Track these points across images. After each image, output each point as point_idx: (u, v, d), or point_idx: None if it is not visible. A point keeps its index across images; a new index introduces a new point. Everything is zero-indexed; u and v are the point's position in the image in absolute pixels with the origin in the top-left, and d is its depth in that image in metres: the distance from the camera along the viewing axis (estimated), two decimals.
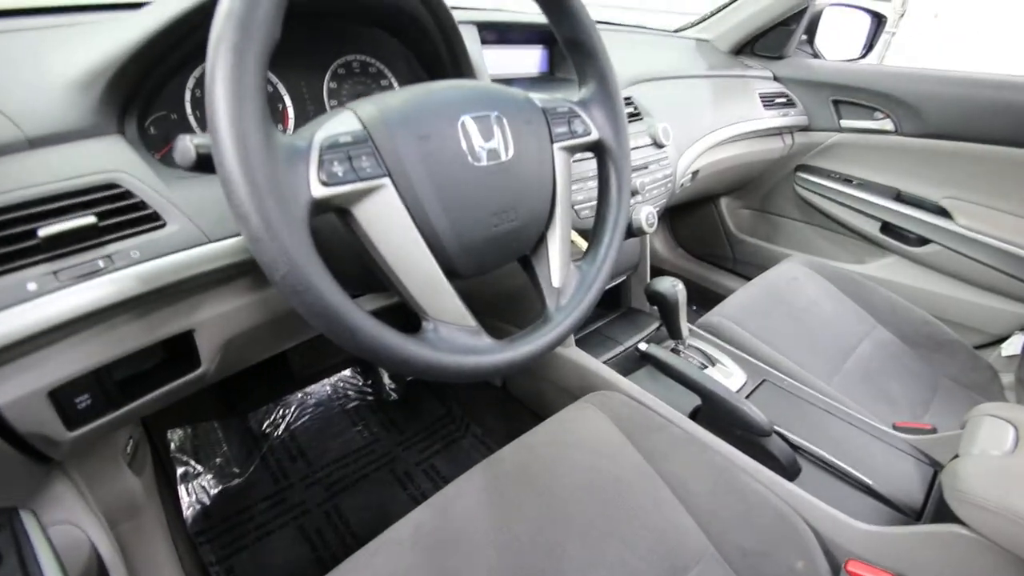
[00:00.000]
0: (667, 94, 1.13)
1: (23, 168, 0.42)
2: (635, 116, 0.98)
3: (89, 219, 0.42)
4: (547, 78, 0.99)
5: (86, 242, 0.42)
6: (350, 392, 1.30)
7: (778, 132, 1.43)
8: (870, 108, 1.37)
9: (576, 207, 0.81)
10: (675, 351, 0.91)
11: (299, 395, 1.27)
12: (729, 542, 0.59)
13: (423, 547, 0.56)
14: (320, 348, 1.19)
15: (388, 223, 0.41)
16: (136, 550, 0.70)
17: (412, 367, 0.41)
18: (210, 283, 0.51)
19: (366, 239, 0.40)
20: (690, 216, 1.80)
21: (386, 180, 0.40)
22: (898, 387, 0.95)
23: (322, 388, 1.30)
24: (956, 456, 0.61)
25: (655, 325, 1.05)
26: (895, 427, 0.82)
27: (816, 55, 1.52)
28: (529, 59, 0.97)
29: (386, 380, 1.32)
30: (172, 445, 1.07)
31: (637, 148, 0.94)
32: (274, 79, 0.63)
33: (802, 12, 1.39)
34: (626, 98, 0.98)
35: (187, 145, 0.40)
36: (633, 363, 0.92)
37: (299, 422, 1.21)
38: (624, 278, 1.11)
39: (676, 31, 1.51)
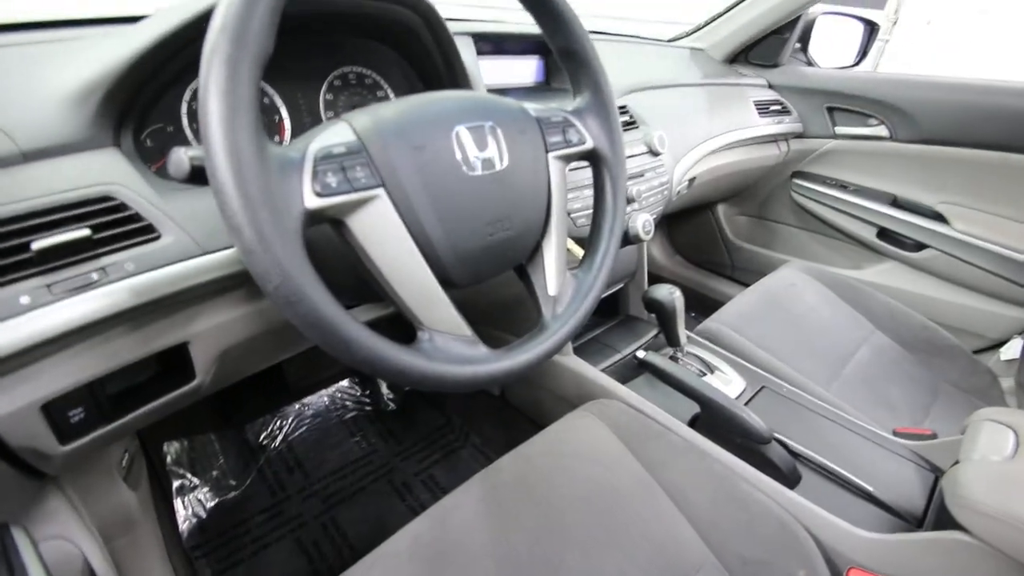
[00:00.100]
0: (662, 103, 1.14)
1: (17, 182, 0.42)
2: (631, 125, 0.98)
3: (83, 232, 0.42)
4: (543, 88, 1.00)
5: (80, 255, 0.42)
6: (348, 403, 1.29)
7: (773, 139, 1.44)
8: (864, 115, 1.38)
9: (573, 215, 0.82)
10: (673, 358, 0.91)
11: (296, 406, 1.26)
12: (730, 551, 0.59)
13: (421, 559, 0.56)
14: (317, 359, 1.19)
15: (382, 233, 0.41)
16: (131, 565, 0.69)
17: (407, 378, 0.40)
18: (205, 295, 0.50)
19: (360, 249, 0.40)
20: (688, 223, 1.80)
21: (380, 191, 0.40)
22: (898, 392, 0.95)
23: (319, 399, 1.29)
24: (957, 462, 0.60)
25: (653, 332, 1.04)
26: (895, 433, 0.81)
27: (810, 63, 1.53)
28: (525, 69, 0.98)
29: (384, 390, 1.31)
30: (168, 458, 1.06)
31: (633, 156, 0.94)
32: (270, 91, 0.64)
33: (795, 21, 1.40)
34: (622, 107, 0.99)
35: (181, 157, 0.40)
36: (631, 371, 0.92)
37: (296, 433, 1.20)
38: (622, 286, 1.11)
39: (670, 40, 1.52)
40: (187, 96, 0.58)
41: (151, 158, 0.55)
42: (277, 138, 0.64)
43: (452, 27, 0.76)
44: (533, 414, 1.05)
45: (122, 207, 0.45)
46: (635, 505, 0.62)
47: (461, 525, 0.59)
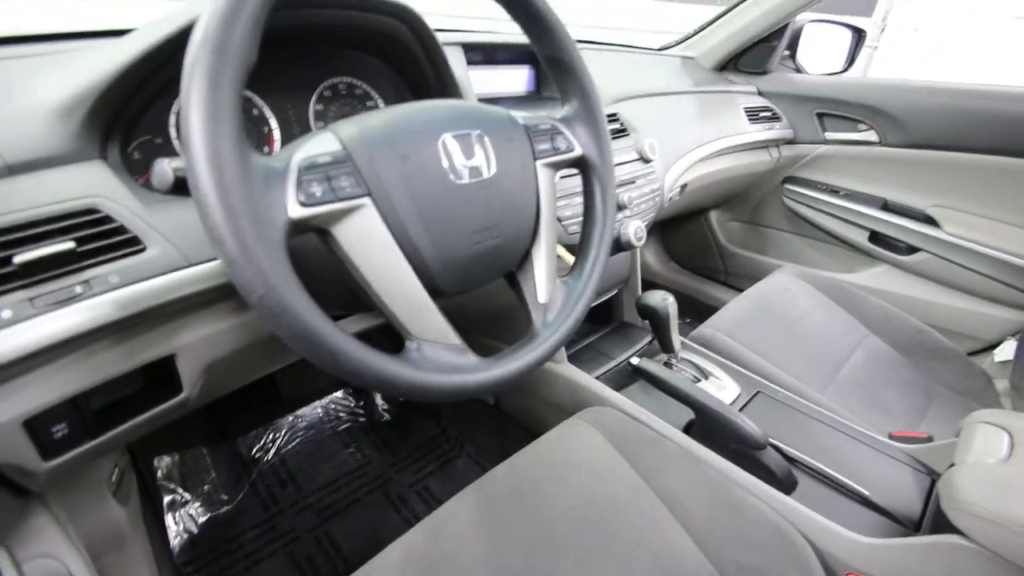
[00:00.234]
0: (653, 110, 1.15)
1: (1, 195, 0.42)
2: (621, 132, 0.99)
3: (67, 245, 0.41)
4: (534, 97, 1.01)
5: (64, 268, 0.42)
6: (342, 414, 1.28)
7: (764, 145, 1.45)
8: (854, 120, 1.40)
9: (564, 222, 0.82)
10: (668, 365, 0.90)
11: (289, 418, 1.25)
12: (726, 559, 0.58)
13: (414, 572, 0.55)
14: (309, 370, 1.18)
15: (368, 243, 0.41)
16: None
17: (395, 388, 0.40)
18: (191, 307, 0.50)
19: (346, 259, 0.40)
20: (681, 230, 1.81)
21: (366, 200, 0.40)
22: (893, 396, 0.95)
23: (313, 410, 1.28)
24: (952, 465, 0.60)
25: (647, 339, 1.04)
26: (891, 436, 0.81)
27: (799, 70, 1.55)
28: (516, 78, 0.98)
29: (378, 401, 1.30)
30: (159, 473, 1.04)
31: (624, 163, 0.94)
32: (259, 102, 0.64)
33: (783, 29, 1.41)
34: (612, 115, 0.99)
35: (164, 168, 0.40)
36: (626, 378, 0.92)
37: (289, 446, 1.19)
38: (615, 292, 1.11)
39: (661, 49, 1.54)
40: (175, 108, 0.58)
41: (139, 170, 0.55)
42: (267, 149, 0.64)
43: (442, 37, 0.77)
44: (528, 422, 1.04)
45: (107, 220, 0.45)
46: (630, 513, 0.62)
47: (455, 537, 0.58)
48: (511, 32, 0.90)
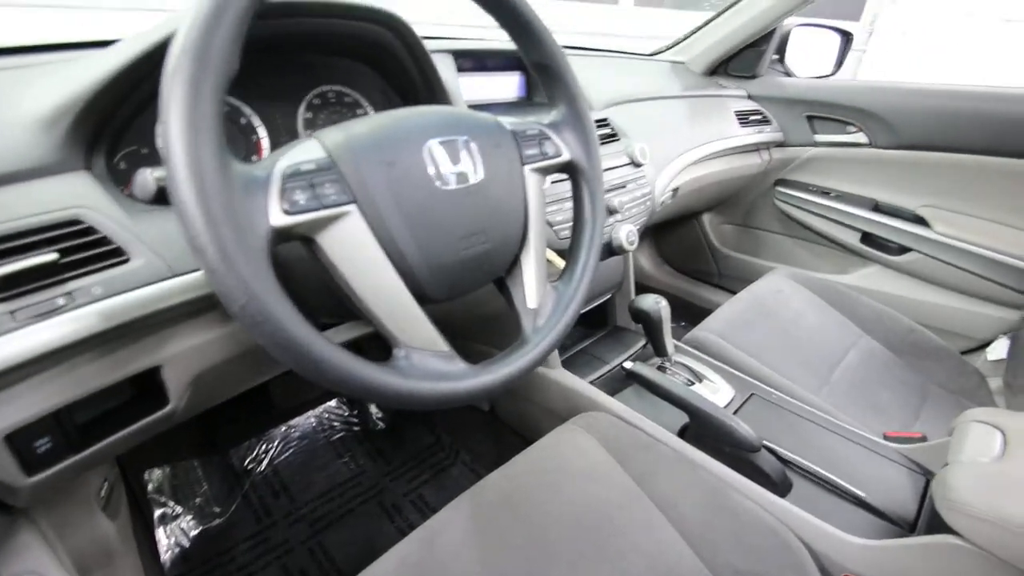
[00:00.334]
0: (644, 115, 1.15)
1: None
2: (612, 137, 0.99)
3: (50, 256, 0.41)
4: (525, 103, 1.01)
5: (47, 279, 0.41)
6: (335, 423, 1.27)
7: (755, 148, 1.46)
8: (843, 122, 1.41)
9: (555, 227, 0.82)
10: (661, 368, 0.90)
11: (282, 429, 1.24)
12: (722, 563, 0.58)
13: None
14: (301, 380, 1.16)
15: (354, 250, 0.40)
16: None
17: (382, 396, 0.40)
18: (177, 317, 0.50)
19: (332, 267, 0.40)
20: (675, 233, 1.81)
21: (351, 207, 0.40)
22: (887, 396, 0.95)
23: (306, 420, 1.27)
24: (946, 464, 0.60)
25: (641, 343, 1.04)
26: (886, 437, 0.81)
27: (788, 73, 1.56)
28: (507, 85, 0.99)
29: (372, 409, 1.29)
30: (149, 486, 1.03)
31: (615, 168, 0.95)
32: (248, 110, 0.64)
33: (771, 33, 1.43)
34: (603, 120, 1.00)
35: (146, 177, 0.40)
36: (620, 382, 0.91)
37: (283, 456, 1.18)
38: (609, 297, 1.11)
39: (651, 55, 1.55)
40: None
41: (125, 181, 0.54)
42: (255, 158, 0.64)
43: (431, 45, 0.77)
44: (523, 428, 1.04)
45: (91, 231, 0.44)
46: (625, 519, 0.61)
47: (448, 546, 0.58)
48: (501, 39, 0.91)
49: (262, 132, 0.64)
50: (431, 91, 0.73)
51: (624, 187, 0.95)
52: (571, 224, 0.60)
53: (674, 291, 1.79)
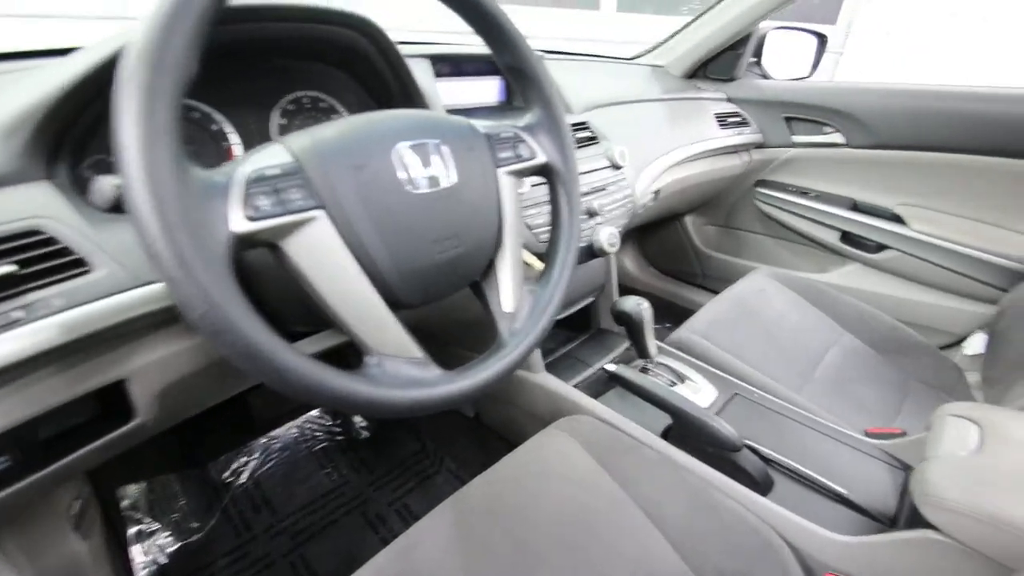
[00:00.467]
0: (624, 118, 1.16)
1: None
2: (591, 140, 0.99)
3: (8, 268, 0.40)
4: (505, 107, 1.01)
5: (5, 292, 0.40)
6: (318, 433, 1.25)
7: (735, 150, 1.47)
8: (820, 123, 1.43)
9: (535, 231, 0.81)
10: (644, 370, 0.90)
11: (263, 440, 1.21)
12: (706, 564, 0.57)
13: None
14: None
15: (322, 256, 0.40)
16: None
17: (353, 405, 0.39)
18: (143, 329, 0.48)
19: (298, 273, 0.39)
20: (658, 235, 1.82)
21: (318, 212, 0.39)
22: (868, 393, 0.96)
23: (287, 431, 1.25)
24: (924, 459, 0.60)
25: (625, 345, 1.04)
26: (867, 433, 0.82)
27: (765, 76, 1.58)
28: (487, 89, 0.99)
29: (356, 419, 1.28)
30: (125, 502, 1.00)
31: (595, 171, 0.95)
32: (219, 117, 0.63)
33: (748, 36, 1.45)
34: (582, 123, 1.00)
35: (103, 185, 0.39)
36: (603, 384, 0.91)
37: (263, 469, 1.15)
38: (592, 299, 1.11)
39: (631, 59, 1.56)
40: None
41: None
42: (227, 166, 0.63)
43: (408, 50, 0.76)
44: (507, 433, 1.03)
45: (51, 241, 0.43)
46: (608, 523, 0.61)
47: (427, 556, 0.57)
48: (479, 44, 0.91)
49: (234, 139, 0.63)
50: (407, 96, 0.73)
51: (604, 189, 0.95)
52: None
53: (659, 293, 1.80)
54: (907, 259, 1.31)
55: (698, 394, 0.85)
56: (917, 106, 1.26)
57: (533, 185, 0.81)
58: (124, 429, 0.51)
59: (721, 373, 0.92)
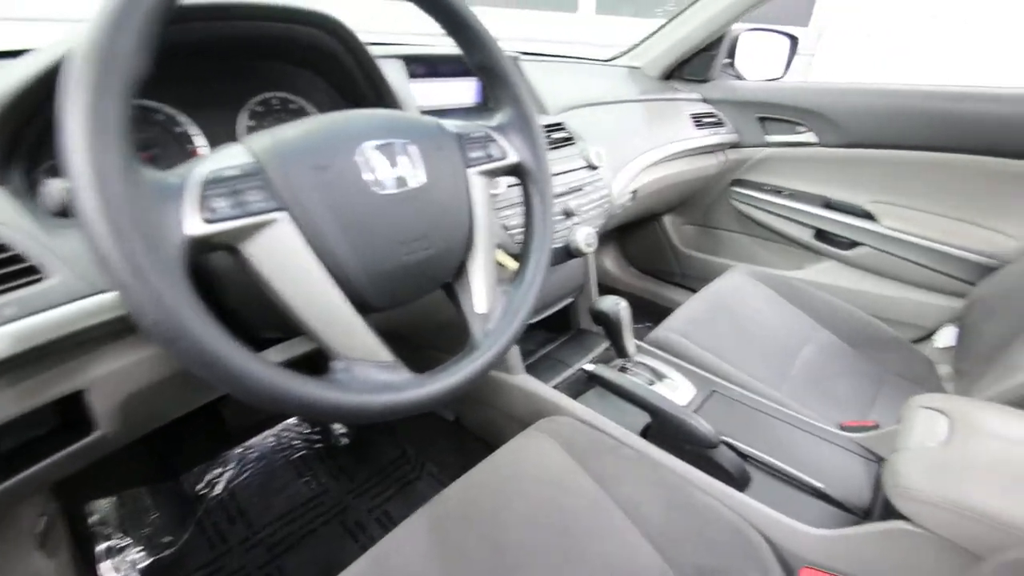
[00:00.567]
0: (601, 119, 1.16)
1: None
2: (568, 141, 0.99)
3: None
4: (482, 108, 1.00)
5: None
6: (295, 441, 1.22)
7: (711, 150, 1.49)
8: (792, 123, 1.45)
9: (511, 231, 0.81)
10: (623, 369, 0.90)
11: (239, 450, 1.18)
12: (685, 562, 0.57)
13: None
14: None
15: (285, 259, 0.39)
16: None
17: (319, 411, 0.38)
18: (101, 338, 0.47)
19: (260, 277, 0.38)
20: (638, 235, 1.83)
21: (280, 214, 0.38)
22: (843, 387, 0.97)
23: (264, 440, 1.22)
24: (895, 451, 0.61)
25: (605, 345, 1.04)
26: (841, 427, 0.83)
27: (739, 77, 1.60)
28: (463, 90, 0.98)
29: (335, 425, 1.25)
30: (94, 517, 0.97)
31: (571, 171, 0.95)
32: (184, 119, 0.61)
33: (721, 38, 1.46)
34: (558, 124, 1.00)
35: (51, 189, 0.37)
36: (583, 385, 0.91)
37: (239, 479, 1.13)
38: (571, 300, 1.11)
39: (608, 60, 1.57)
40: None
41: None
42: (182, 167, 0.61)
43: (380, 51, 0.75)
44: (488, 437, 1.02)
45: (3, 248, 0.41)
46: (588, 524, 0.60)
47: (403, 564, 0.56)
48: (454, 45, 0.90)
49: (200, 141, 0.62)
50: (380, 97, 0.72)
51: (581, 190, 0.95)
52: None
53: (639, 292, 1.81)
54: (879, 255, 1.34)
55: (676, 392, 0.85)
56: (886, 105, 1.29)
57: (509, 186, 0.81)
58: (85, 441, 0.49)
59: (699, 371, 0.93)
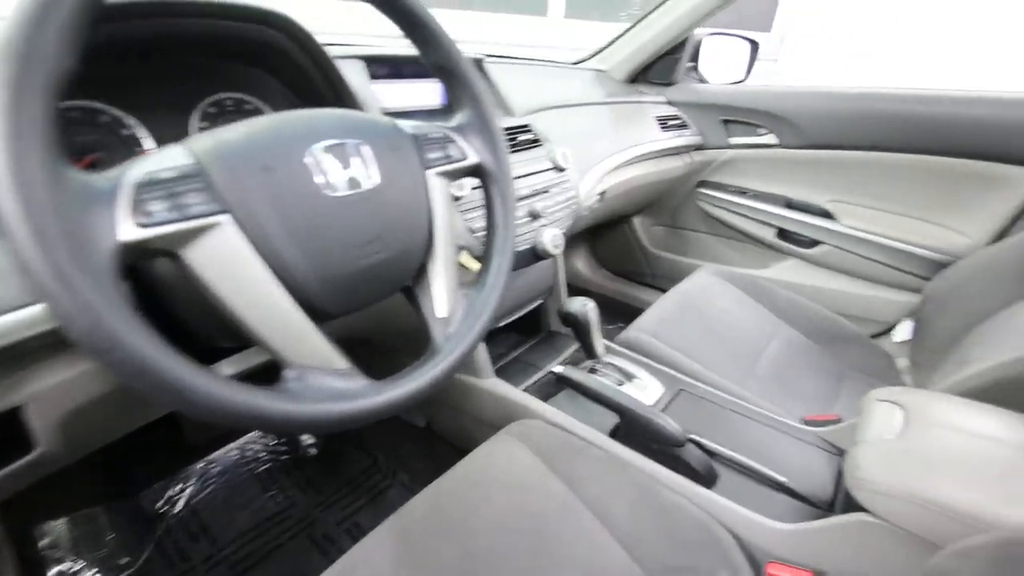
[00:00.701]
0: (567, 121, 1.17)
1: None
2: (534, 143, 0.99)
3: None
4: (448, 110, 0.99)
5: None
6: (261, 454, 1.19)
7: (676, 152, 1.51)
8: (754, 125, 1.49)
9: (477, 233, 0.80)
10: (592, 370, 0.90)
11: (200, 465, 1.14)
12: (654, 561, 0.57)
13: None
14: None
15: (230, 264, 0.37)
16: None
17: (271, 423, 0.36)
18: (38, 351, 0.44)
19: (202, 283, 0.36)
20: (608, 236, 1.85)
21: (222, 217, 0.36)
22: (807, 382, 0.99)
23: (227, 454, 1.17)
24: (854, 444, 0.62)
25: (575, 347, 1.04)
26: (804, 421, 0.84)
27: (703, 80, 1.64)
28: (428, 92, 0.97)
29: (302, 435, 1.22)
30: (44, 541, 0.92)
31: (538, 173, 0.95)
32: (131, 121, 0.58)
33: (685, 42, 1.49)
34: (524, 125, 1.00)
35: None
36: (554, 387, 0.91)
37: (201, 495, 1.08)
38: (541, 302, 1.11)
39: (574, 63, 1.58)
40: None
41: None
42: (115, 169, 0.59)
43: (338, 51, 0.74)
44: (460, 442, 1.01)
45: None
46: (557, 527, 0.60)
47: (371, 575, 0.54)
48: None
49: (148, 144, 0.59)
50: (339, 97, 0.70)
51: (547, 192, 0.95)
52: None
53: (611, 293, 1.82)
54: (839, 253, 1.38)
55: (644, 392, 0.86)
56: (844, 108, 1.33)
57: (474, 188, 0.80)
58: (25, 460, 0.46)
59: (667, 370, 0.93)
